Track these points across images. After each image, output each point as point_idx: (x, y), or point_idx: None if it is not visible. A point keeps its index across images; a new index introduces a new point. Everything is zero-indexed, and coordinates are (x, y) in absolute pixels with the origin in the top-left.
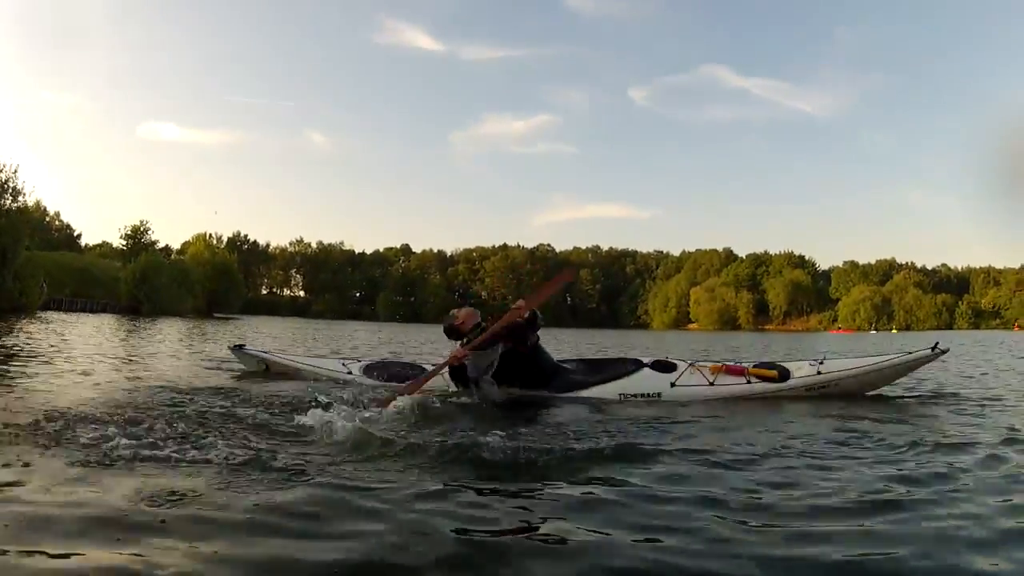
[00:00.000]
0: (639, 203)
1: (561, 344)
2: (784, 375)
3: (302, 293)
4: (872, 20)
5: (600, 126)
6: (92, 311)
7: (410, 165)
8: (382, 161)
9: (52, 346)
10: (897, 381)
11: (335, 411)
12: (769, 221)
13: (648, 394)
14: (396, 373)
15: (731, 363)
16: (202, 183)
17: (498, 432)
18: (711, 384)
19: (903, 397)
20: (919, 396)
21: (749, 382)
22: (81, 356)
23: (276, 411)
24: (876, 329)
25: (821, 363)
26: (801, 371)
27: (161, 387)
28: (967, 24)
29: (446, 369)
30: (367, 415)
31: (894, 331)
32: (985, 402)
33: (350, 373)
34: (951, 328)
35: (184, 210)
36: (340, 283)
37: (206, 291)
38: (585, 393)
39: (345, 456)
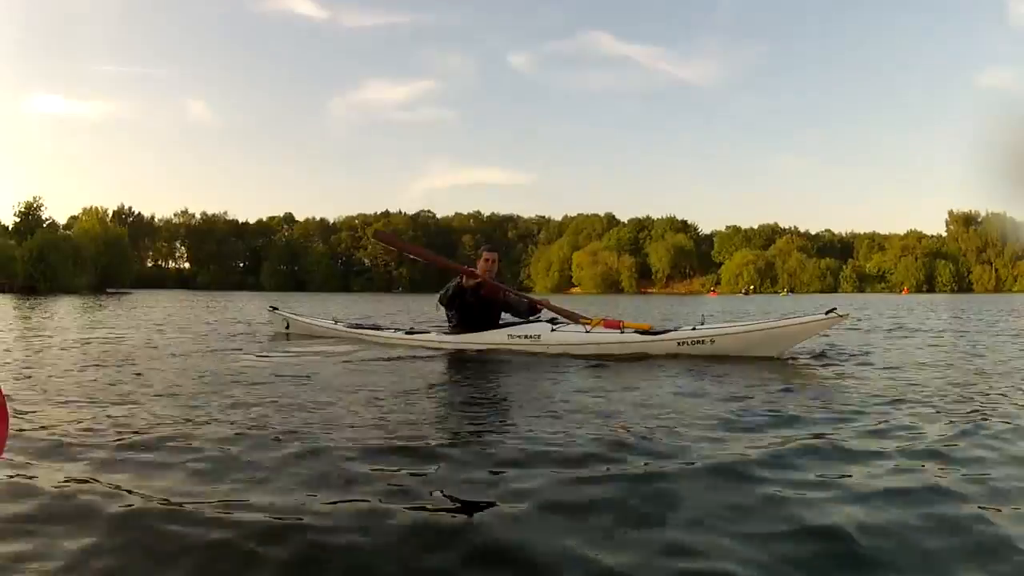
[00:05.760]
0: (520, 168)
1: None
2: (660, 332)
3: (187, 265)
4: None
5: (481, 92)
6: None
7: (290, 133)
8: (262, 129)
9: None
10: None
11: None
12: (651, 186)
13: (529, 336)
14: (370, 326)
15: (611, 319)
16: (85, 155)
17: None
18: (587, 332)
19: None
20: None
21: (623, 332)
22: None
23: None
24: (747, 292)
25: (701, 323)
26: (680, 330)
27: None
28: None
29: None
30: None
31: (783, 295)
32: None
33: (337, 323)
34: (836, 292)
35: (68, 184)
36: (224, 254)
37: (98, 267)
38: (487, 336)
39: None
